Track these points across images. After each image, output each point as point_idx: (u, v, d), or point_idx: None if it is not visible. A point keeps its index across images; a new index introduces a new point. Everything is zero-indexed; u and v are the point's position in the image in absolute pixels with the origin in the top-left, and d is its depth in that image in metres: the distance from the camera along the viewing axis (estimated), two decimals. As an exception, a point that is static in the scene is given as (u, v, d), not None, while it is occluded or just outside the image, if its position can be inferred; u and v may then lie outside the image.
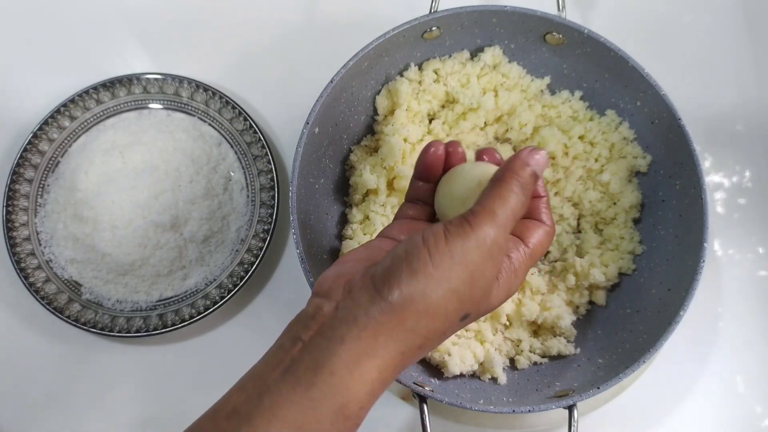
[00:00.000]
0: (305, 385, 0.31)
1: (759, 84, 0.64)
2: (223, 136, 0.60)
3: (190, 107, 0.61)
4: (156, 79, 0.60)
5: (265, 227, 0.56)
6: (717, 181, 0.62)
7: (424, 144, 0.55)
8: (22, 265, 0.55)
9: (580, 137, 0.56)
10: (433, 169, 0.40)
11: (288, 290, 0.58)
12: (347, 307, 0.32)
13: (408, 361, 0.33)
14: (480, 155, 0.41)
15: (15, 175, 0.57)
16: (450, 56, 0.56)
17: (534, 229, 0.37)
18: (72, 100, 0.59)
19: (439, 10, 0.52)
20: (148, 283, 0.55)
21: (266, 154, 0.58)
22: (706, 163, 0.62)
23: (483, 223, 0.32)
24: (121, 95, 0.60)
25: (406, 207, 0.42)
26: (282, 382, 0.31)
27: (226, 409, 0.32)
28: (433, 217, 0.42)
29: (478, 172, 0.38)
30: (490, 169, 0.37)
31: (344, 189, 0.56)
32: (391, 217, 0.53)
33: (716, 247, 0.59)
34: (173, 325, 0.54)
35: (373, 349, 0.31)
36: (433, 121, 0.57)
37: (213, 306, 0.54)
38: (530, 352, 0.52)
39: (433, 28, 0.53)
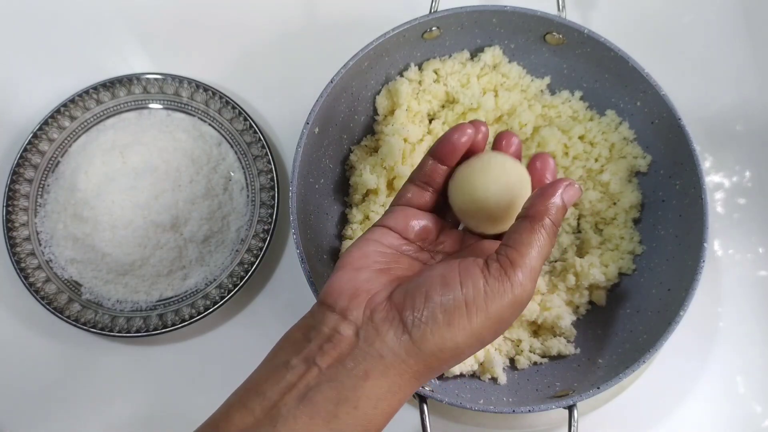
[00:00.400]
0: (326, 417, 0.30)
1: (759, 84, 0.64)
2: (223, 136, 0.60)
3: (190, 107, 0.61)
4: (156, 79, 0.60)
5: (265, 227, 0.56)
6: (717, 181, 0.62)
7: (424, 144, 0.55)
8: (22, 265, 0.55)
9: (580, 137, 0.56)
10: (457, 152, 0.38)
11: (288, 290, 0.58)
12: (370, 338, 0.32)
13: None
14: (499, 139, 0.40)
15: (15, 175, 0.57)
16: (450, 56, 0.56)
17: None
18: (72, 100, 0.59)
19: (439, 10, 0.52)
20: (148, 283, 0.55)
21: (266, 154, 0.58)
22: (706, 163, 0.62)
23: (523, 281, 0.33)
24: (121, 95, 0.60)
25: (408, 189, 0.40)
26: (298, 410, 0.30)
27: (229, 429, 0.31)
28: (436, 208, 0.40)
29: (513, 179, 0.37)
30: (524, 178, 0.38)
31: (344, 189, 0.56)
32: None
33: (716, 247, 0.59)
34: (173, 325, 0.54)
35: (399, 386, 0.32)
36: (433, 121, 0.57)
37: (213, 306, 0.54)
38: (530, 352, 0.51)
39: (433, 28, 0.53)
